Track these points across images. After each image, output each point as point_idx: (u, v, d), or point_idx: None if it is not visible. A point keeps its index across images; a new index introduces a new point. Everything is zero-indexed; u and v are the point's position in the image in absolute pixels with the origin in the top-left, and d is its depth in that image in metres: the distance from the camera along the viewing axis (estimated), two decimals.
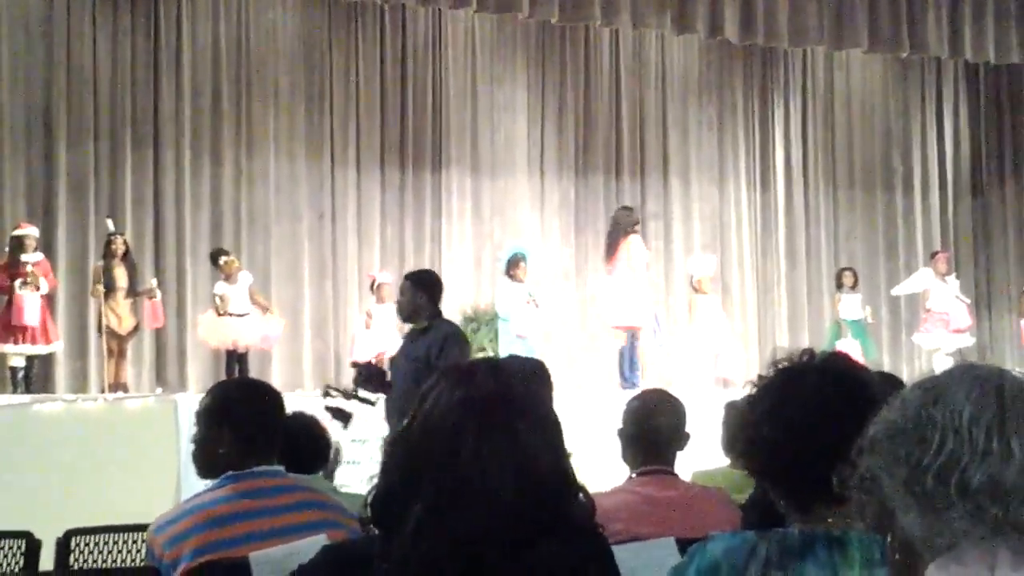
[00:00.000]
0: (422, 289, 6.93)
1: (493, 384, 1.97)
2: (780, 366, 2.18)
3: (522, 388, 2.04)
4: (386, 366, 11.46)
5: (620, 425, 3.90)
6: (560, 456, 1.98)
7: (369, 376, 6.83)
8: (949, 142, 15.62)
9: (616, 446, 3.88)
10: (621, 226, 11.83)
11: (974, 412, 1.38)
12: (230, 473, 3.15)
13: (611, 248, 11.85)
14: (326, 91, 13.22)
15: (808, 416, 2.03)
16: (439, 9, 12.96)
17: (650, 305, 11.96)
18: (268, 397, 3.29)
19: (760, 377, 2.21)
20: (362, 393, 6.76)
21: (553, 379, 4.14)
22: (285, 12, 13.10)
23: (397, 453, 1.97)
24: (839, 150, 15.24)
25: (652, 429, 3.77)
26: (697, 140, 14.64)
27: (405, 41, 13.57)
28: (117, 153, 12.36)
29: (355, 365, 7.49)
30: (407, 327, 12.06)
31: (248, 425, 3.17)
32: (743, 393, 4.36)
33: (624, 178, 14.33)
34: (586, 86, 14.25)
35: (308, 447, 4.44)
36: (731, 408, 5.20)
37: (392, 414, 6.60)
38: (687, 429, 3.85)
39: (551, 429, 1.99)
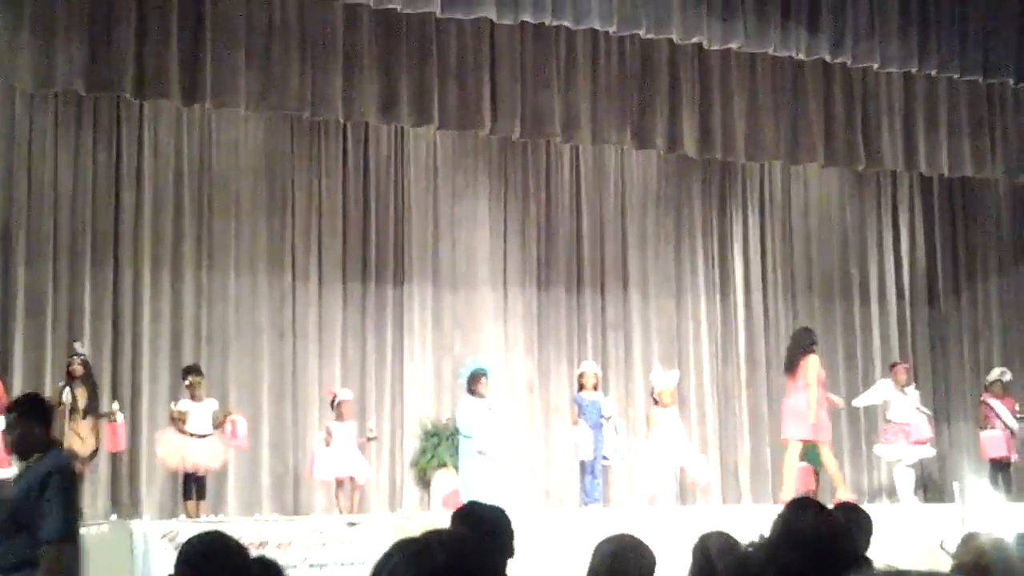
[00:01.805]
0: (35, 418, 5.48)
1: (443, 560, 1.96)
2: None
3: (476, 561, 2.03)
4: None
5: (588, 565, 3.87)
6: None
7: None
8: (905, 253, 15.83)
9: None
10: (802, 345, 12.28)
11: None
12: None
13: (792, 365, 12.22)
14: (288, 206, 13.27)
15: None
16: (401, 127, 13.07)
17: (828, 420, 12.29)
18: (235, 564, 3.27)
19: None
20: None
21: (512, 522, 4.10)
22: (248, 128, 13.17)
23: None
24: (797, 261, 15.40)
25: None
26: (655, 252, 14.76)
27: (367, 156, 13.67)
28: (76, 269, 12.33)
29: None
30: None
31: None
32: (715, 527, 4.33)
33: (585, 290, 14.41)
34: (547, 199, 14.38)
35: None
36: (703, 542, 5.15)
37: None
38: None
39: None
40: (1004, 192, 15.20)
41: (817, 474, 12.90)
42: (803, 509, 3.70)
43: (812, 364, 12.04)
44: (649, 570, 3.81)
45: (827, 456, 12.21)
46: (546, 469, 13.74)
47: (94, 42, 10.30)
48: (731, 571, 3.58)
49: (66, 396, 10.61)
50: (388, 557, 1.98)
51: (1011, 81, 12.72)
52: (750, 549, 2.70)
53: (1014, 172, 13.63)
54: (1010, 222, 15.30)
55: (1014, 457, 13.45)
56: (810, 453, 12.82)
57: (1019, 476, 13.80)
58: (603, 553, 3.88)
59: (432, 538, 2.03)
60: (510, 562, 3.84)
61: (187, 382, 11.31)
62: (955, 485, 12.89)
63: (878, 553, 4.18)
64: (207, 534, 3.59)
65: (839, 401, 12.81)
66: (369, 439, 12.13)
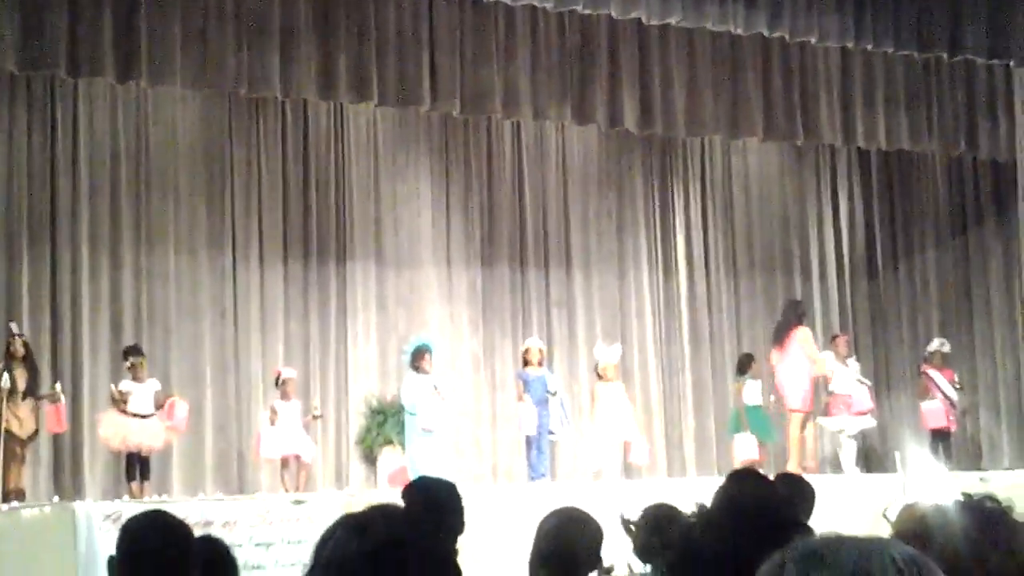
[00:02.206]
0: None
1: (386, 534, 1.95)
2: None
3: (421, 536, 2.02)
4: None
5: (533, 539, 3.86)
6: None
7: None
8: (845, 227, 15.96)
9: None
10: (791, 317, 13.00)
11: None
12: None
13: (780, 337, 12.88)
14: (227, 185, 13.16)
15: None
16: (340, 104, 12.97)
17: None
18: (178, 541, 3.24)
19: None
20: None
21: (463, 500, 4.08)
22: (185, 106, 13.02)
23: None
24: (738, 236, 15.48)
25: (568, 552, 3.73)
26: (597, 229, 14.79)
27: (307, 134, 13.57)
28: (13, 251, 12.16)
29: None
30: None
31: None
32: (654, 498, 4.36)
33: (529, 268, 14.42)
34: (489, 177, 14.36)
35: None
36: (647, 514, 5.17)
37: None
38: (601, 553, 3.82)
39: None
40: (940, 165, 15.37)
41: (762, 445, 13.03)
42: (743, 479, 3.73)
43: (805, 335, 12.77)
44: (595, 542, 3.81)
45: (803, 427, 12.85)
46: (493, 445, 13.75)
47: (27, 20, 10.14)
48: (673, 541, 3.60)
49: (4, 380, 10.47)
50: (331, 532, 1.97)
51: (945, 56, 12.84)
52: (692, 519, 2.72)
53: (950, 146, 13.78)
54: (947, 195, 15.48)
55: (954, 427, 13.65)
56: (757, 425, 12.96)
57: (959, 446, 14.01)
58: (548, 527, 3.87)
59: (375, 512, 2.01)
60: (459, 537, 3.83)
61: (128, 363, 11.22)
62: (896, 455, 13.04)
63: (821, 522, 4.21)
64: (149, 512, 3.55)
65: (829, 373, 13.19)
66: (314, 417, 12.08)
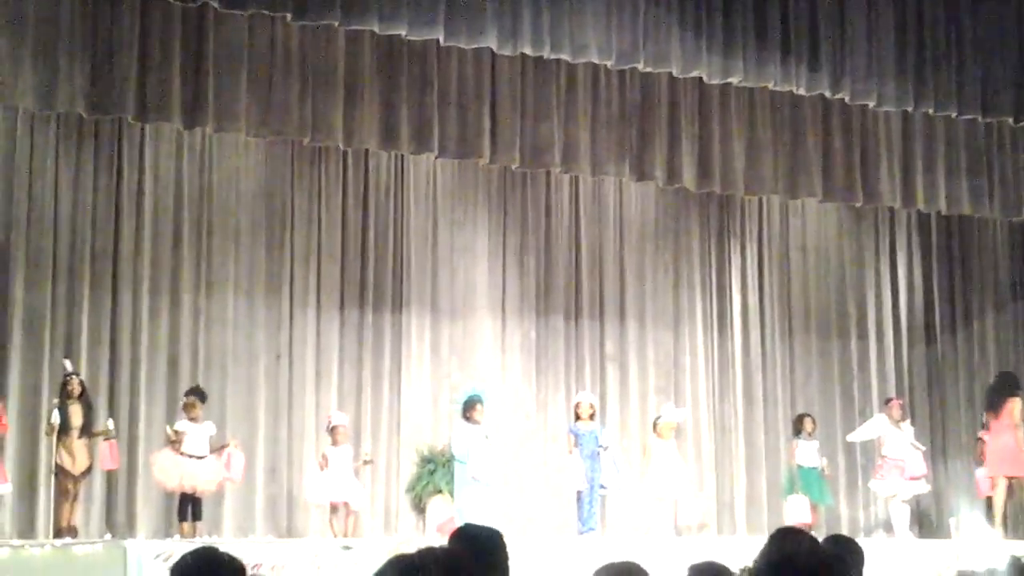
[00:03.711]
0: None
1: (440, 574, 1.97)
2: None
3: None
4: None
5: None
6: None
7: None
8: (903, 290, 15.83)
9: None
10: (1007, 388, 13.26)
11: None
12: None
13: (995, 405, 13.12)
14: (287, 232, 13.29)
15: None
16: (401, 154, 13.11)
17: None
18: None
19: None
20: None
21: (508, 546, 4.08)
22: (248, 153, 13.20)
23: None
24: (795, 296, 15.40)
25: None
26: (653, 285, 14.77)
27: (367, 184, 13.70)
28: (75, 291, 12.33)
29: None
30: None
31: None
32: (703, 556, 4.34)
33: (584, 321, 14.42)
34: (546, 230, 14.41)
35: None
36: (695, 572, 5.14)
37: None
38: None
39: None
40: (1001, 231, 15.25)
41: (815, 507, 12.92)
42: (787, 536, 3.72)
43: (1017, 406, 12.95)
44: None
45: (1009, 492, 13.02)
46: (543, 498, 13.70)
47: (96, 64, 10.36)
48: None
49: (55, 417, 10.62)
50: (382, 574, 1.99)
51: (1010, 120, 12.78)
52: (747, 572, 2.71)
53: (1011, 211, 13.67)
54: (1007, 261, 15.35)
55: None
56: (811, 486, 12.86)
57: (1015, 514, 13.78)
58: None
59: (426, 555, 2.04)
60: None
61: (187, 401, 11.35)
62: (951, 521, 12.89)
63: None
64: (201, 549, 3.56)
65: None
66: (365, 463, 12.13)
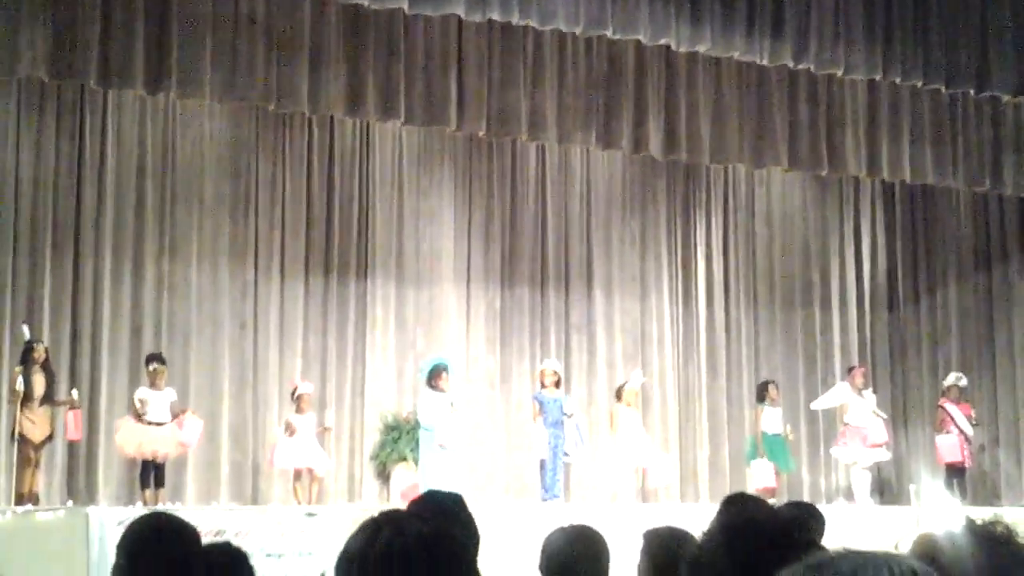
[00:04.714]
0: None
1: (425, 528, 1.97)
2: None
3: (450, 532, 2.04)
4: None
5: (539, 556, 3.86)
6: None
7: None
8: (866, 258, 15.94)
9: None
10: None
11: None
12: None
13: None
14: (252, 199, 13.23)
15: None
16: (367, 121, 13.05)
17: None
18: (182, 542, 3.23)
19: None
20: None
21: (471, 511, 4.08)
22: (212, 119, 13.11)
23: None
24: (760, 265, 15.48)
25: (573, 571, 3.73)
26: (620, 253, 14.80)
27: (333, 151, 13.64)
28: (37, 258, 12.25)
29: None
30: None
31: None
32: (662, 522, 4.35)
33: (549, 289, 14.44)
34: (512, 198, 14.39)
35: None
36: (653, 536, 5.16)
37: None
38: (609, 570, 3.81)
39: None
40: (964, 201, 15.34)
41: (778, 474, 13.02)
42: (750, 502, 3.74)
43: None
44: (598, 559, 3.80)
45: None
46: (506, 465, 13.75)
47: (58, 29, 10.23)
48: (684, 561, 3.60)
49: (19, 384, 10.54)
50: (375, 530, 1.97)
51: (972, 91, 12.83)
52: (704, 538, 2.71)
53: (975, 181, 13.74)
54: (970, 231, 15.44)
55: (969, 463, 13.58)
56: (775, 453, 12.97)
57: (975, 482, 13.94)
58: (553, 542, 3.86)
59: (401, 514, 2.04)
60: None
61: (150, 368, 11.31)
62: (911, 488, 13.01)
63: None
64: (151, 514, 3.51)
65: None
66: (324, 429, 12.14)
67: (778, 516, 3.44)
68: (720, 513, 3.25)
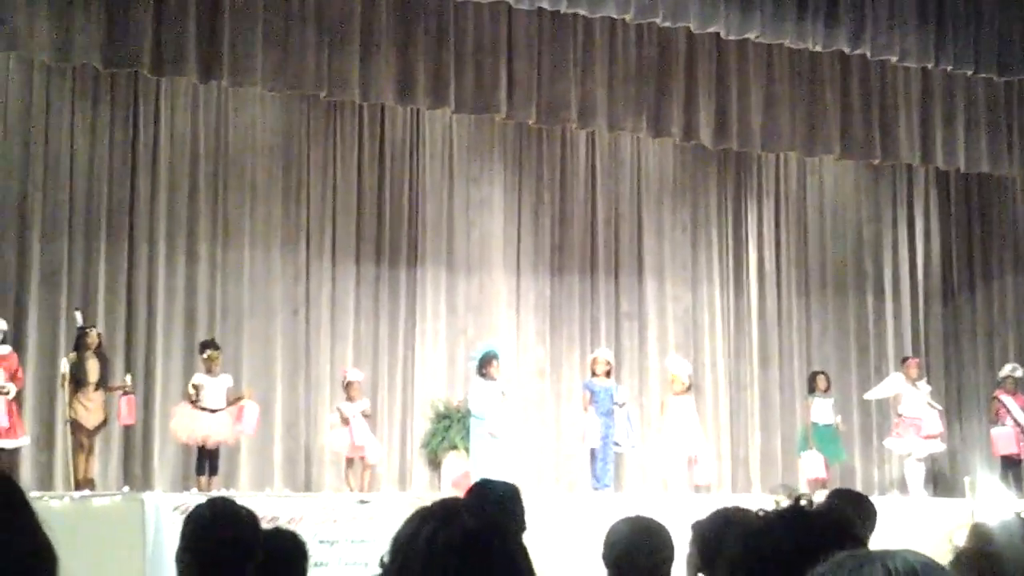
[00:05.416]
0: None
1: (477, 520, 1.97)
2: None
3: (503, 524, 2.04)
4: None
5: (603, 547, 3.85)
6: None
7: None
8: (920, 248, 15.76)
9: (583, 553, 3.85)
10: None
11: None
12: None
13: None
14: (303, 186, 13.29)
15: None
16: (418, 109, 13.07)
17: None
18: (241, 528, 3.28)
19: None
20: None
21: (524, 501, 4.09)
22: (264, 107, 13.18)
23: None
24: (811, 254, 15.35)
25: (637, 563, 3.71)
26: (671, 241, 14.73)
27: (383, 138, 13.67)
28: (91, 245, 12.36)
29: None
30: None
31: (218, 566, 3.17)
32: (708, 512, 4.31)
33: (599, 277, 14.40)
34: (562, 186, 14.36)
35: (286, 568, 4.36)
36: (698, 528, 5.14)
37: None
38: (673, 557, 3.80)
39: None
40: (1020, 189, 15.13)
41: (828, 465, 12.94)
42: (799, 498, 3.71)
43: None
44: (660, 551, 3.77)
45: None
46: (557, 454, 13.74)
47: (112, 17, 10.34)
48: (739, 543, 3.56)
49: (63, 365, 10.66)
50: (421, 522, 1.97)
51: None
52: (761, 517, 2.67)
53: None
54: None
55: None
56: (825, 443, 12.88)
57: None
58: (617, 532, 3.85)
59: (455, 503, 2.04)
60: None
61: (204, 355, 11.39)
62: (966, 480, 12.89)
63: (885, 544, 4.16)
64: (215, 499, 3.59)
65: None
66: (364, 415, 12.15)
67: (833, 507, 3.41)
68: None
